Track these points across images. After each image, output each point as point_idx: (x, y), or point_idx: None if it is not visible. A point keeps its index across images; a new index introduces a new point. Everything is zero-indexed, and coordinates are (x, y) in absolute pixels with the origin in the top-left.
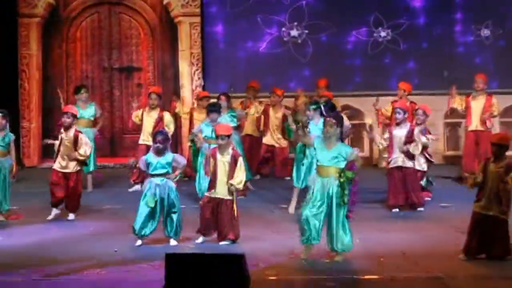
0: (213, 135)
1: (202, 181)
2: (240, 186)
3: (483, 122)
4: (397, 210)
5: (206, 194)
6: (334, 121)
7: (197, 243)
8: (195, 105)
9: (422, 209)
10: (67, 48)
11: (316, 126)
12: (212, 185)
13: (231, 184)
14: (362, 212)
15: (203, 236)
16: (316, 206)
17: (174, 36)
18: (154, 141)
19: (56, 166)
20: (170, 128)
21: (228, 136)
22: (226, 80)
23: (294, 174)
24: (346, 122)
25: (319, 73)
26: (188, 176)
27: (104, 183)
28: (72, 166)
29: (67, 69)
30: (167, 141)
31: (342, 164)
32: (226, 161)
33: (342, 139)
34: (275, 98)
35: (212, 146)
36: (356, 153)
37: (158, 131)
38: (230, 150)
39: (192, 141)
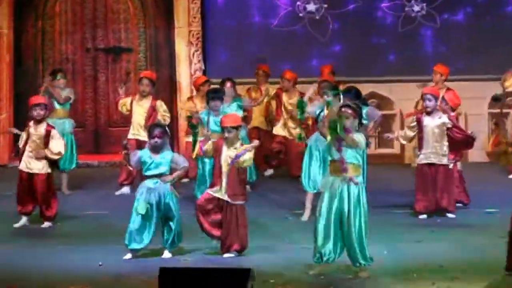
0: (214, 127)
1: (202, 186)
2: (245, 164)
3: None
4: (424, 216)
5: (209, 190)
6: (350, 111)
7: (205, 255)
8: (194, 93)
9: (453, 216)
10: (43, 25)
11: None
12: (216, 181)
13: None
14: (391, 219)
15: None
16: (330, 215)
17: (169, 11)
18: (151, 135)
19: (22, 166)
20: (165, 120)
21: (237, 127)
22: (230, 63)
23: (303, 175)
24: (376, 111)
25: (340, 55)
26: (188, 177)
27: (85, 185)
28: (41, 166)
29: (43, 50)
30: (166, 136)
31: (360, 159)
32: (230, 155)
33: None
34: (285, 83)
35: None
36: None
37: (154, 124)
38: (238, 145)
39: (191, 123)
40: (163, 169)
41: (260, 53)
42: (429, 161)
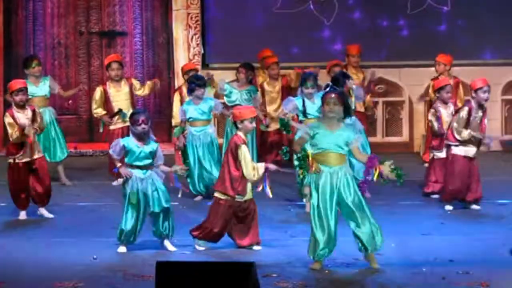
0: (196, 115)
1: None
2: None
3: None
4: (450, 208)
5: (238, 198)
6: (335, 96)
7: (205, 249)
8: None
9: (478, 207)
10: (34, 8)
11: (313, 105)
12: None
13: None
14: (400, 211)
15: (204, 240)
16: (325, 211)
17: None
18: (137, 122)
19: (19, 158)
20: (145, 93)
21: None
22: (231, 48)
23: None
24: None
25: (346, 38)
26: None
27: (80, 175)
28: (37, 150)
29: (34, 34)
30: (150, 122)
31: (343, 151)
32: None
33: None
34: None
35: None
36: (360, 142)
37: (137, 110)
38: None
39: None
40: (150, 159)
41: (262, 36)
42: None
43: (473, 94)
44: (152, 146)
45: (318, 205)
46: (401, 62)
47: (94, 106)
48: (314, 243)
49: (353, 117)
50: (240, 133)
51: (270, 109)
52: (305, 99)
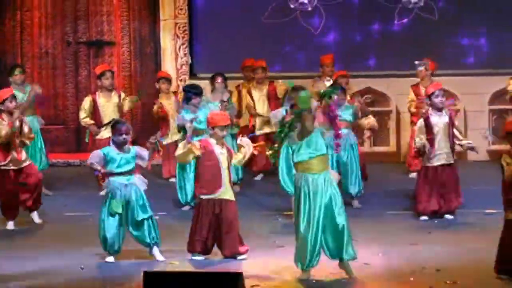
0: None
1: (189, 185)
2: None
3: None
4: (426, 218)
5: (203, 197)
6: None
7: (193, 258)
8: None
9: (451, 217)
10: (21, 18)
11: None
12: (210, 184)
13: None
14: (387, 221)
15: (199, 254)
16: (311, 219)
17: (154, 2)
18: (118, 132)
19: (8, 165)
20: (125, 109)
21: (227, 126)
22: (218, 57)
23: (282, 177)
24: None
25: (333, 48)
26: (174, 175)
27: (67, 185)
28: (25, 156)
29: (21, 44)
30: (131, 132)
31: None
32: (224, 154)
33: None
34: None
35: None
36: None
37: (119, 120)
38: (224, 143)
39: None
40: (132, 164)
41: (249, 46)
42: (440, 163)
43: (429, 101)
44: (131, 151)
45: (303, 214)
46: (389, 72)
47: (82, 115)
48: (301, 252)
49: (346, 130)
50: (211, 139)
51: (259, 109)
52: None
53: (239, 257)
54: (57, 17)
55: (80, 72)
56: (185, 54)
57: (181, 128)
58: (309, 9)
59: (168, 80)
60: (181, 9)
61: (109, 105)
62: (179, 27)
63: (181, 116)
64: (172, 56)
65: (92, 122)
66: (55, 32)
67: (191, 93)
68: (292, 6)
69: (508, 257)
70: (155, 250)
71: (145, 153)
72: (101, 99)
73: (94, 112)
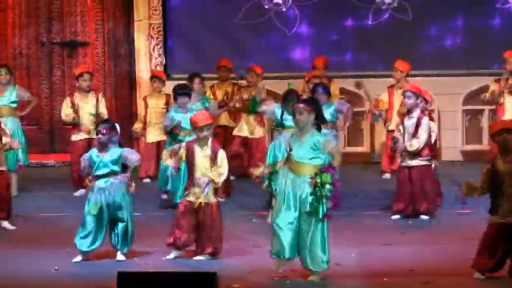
0: (185, 125)
1: (177, 181)
2: (220, 181)
3: None
4: (397, 217)
5: (185, 198)
6: (302, 105)
7: (168, 259)
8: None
9: (426, 217)
10: None
11: None
12: (189, 186)
13: (207, 176)
14: (361, 221)
15: (176, 249)
16: (289, 212)
17: (128, 3)
18: (96, 132)
19: None
20: (104, 112)
21: (209, 126)
22: (193, 58)
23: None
24: (343, 103)
25: (307, 49)
26: (150, 177)
27: (41, 185)
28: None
29: None
30: (112, 132)
31: (319, 160)
32: (206, 156)
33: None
34: (253, 77)
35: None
36: (333, 144)
37: (101, 120)
38: (209, 143)
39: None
40: (113, 167)
41: (224, 47)
42: (405, 164)
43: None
44: (113, 154)
45: (278, 210)
46: (363, 72)
47: (65, 112)
48: (276, 246)
49: (328, 131)
50: (194, 140)
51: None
52: (285, 112)
53: (214, 257)
54: (31, 18)
55: (54, 73)
56: (159, 55)
57: (167, 132)
58: (284, 9)
59: (161, 79)
60: (155, 10)
61: (85, 106)
62: (153, 28)
63: (169, 116)
64: (147, 57)
65: (73, 115)
66: (29, 32)
67: (178, 93)
68: (266, 6)
69: (485, 255)
70: (118, 255)
71: (133, 156)
72: (77, 99)
73: (75, 111)
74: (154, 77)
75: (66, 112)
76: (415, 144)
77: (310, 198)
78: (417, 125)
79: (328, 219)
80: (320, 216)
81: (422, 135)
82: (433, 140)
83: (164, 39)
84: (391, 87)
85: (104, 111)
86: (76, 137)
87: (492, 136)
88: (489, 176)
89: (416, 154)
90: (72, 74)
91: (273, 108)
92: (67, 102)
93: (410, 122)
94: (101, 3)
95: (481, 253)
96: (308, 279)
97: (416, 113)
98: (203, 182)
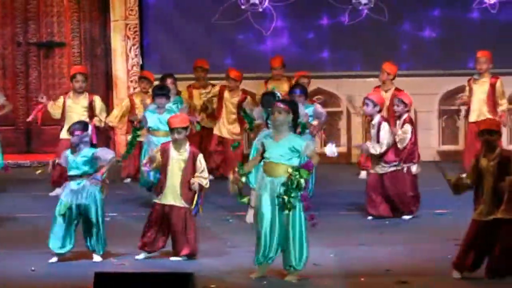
0: (158, 125)
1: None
2: (207, 185)
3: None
4: (370, 218)
5: (156, 200)
6: (283, 106)
7: (137, 259)
8: (136, 89)
9: (408, 217)
10: None
11: None
12: (161, 188)
13: (193, 182)
14: (338, 221)
15: (145, 252)
16: (269, 215)
17: (105, 3)
18: (70, 133)
19: None
20: (101, 116)
21: (186, 128)
22: (169, 58)
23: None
24: (320, 109)
25: (284, 49)
26: (131, 176)
27: (16, 186)
28: None
29: None
30: (84, 133)
31: (295, 161)
32: (182, 159)
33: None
34: (232, 83)
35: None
36: (313, 147)
37: (76, 121)
38: (187, 147)
39: (134, 127)
40: (85, 168)
41: (201, 47)
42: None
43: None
44: (86, 154)
45: (260, 213)
46: (339, 72)
47: (52, 109)
48: (257, 249)
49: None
50: (169, 142)
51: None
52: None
53: (190, 258)
54: (7, 18)
55: (30, 73)
56: (136, 55)
57: (135, 128)
58: (260, 10)
59: (149, 80)
60: (131, 10)
61: (75, 107)
62: (129, 28)
63: (144, 115)
64: (123, 57)
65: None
66: (5, 32)
67: (156, 94)
68: (243, 7)
69: (465, 252)
70: (95, 257)
71: (107, 155)
72: (69, 100)
73: (63, 112)
74: (142, 77)
75: (52, 111)
76: (377, 148)
77: (281, 189)
78: (378, 130)
79: (306, 211)
80: (289, 208)
81: (384, 140)
82: (402, 145)
83: (140, 40)
84: (377, 87)
85: (101, 116)
86: (62, 135)
87: (477, 135)
88: (476, 170)
89: (383, 162)
90: (48, 75)
91: (259, 112)
92: (58, 100)
93: (373, 132)
94: (77, 3)
95: (461, 250)
96: (285, 279)
97: (376, 120)
98: (196, 187)
